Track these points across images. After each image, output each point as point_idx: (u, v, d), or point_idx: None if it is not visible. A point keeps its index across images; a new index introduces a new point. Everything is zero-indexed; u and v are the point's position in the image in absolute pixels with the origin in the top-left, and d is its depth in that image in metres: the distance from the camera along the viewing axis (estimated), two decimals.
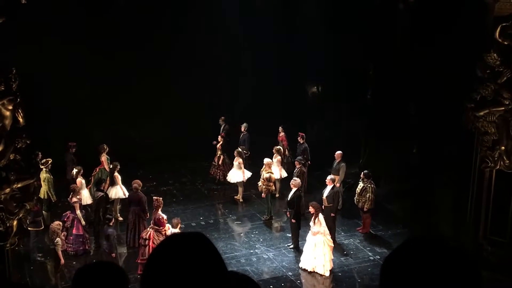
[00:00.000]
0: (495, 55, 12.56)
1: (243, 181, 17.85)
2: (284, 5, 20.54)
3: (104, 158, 17.12)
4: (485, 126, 12.88)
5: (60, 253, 13.13)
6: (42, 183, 15.46)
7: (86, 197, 15.81)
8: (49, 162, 15.70)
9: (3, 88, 10.61)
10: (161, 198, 14.52)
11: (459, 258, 1.95)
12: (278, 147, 18.25)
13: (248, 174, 17.95)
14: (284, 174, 18.15)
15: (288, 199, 15.24)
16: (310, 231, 14.16)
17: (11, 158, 10.86)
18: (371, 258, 14.78)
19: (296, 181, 15.36)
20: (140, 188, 15.21)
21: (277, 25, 20.47)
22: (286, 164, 19.00)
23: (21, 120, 10.93)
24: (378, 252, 14.99)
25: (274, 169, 17.25)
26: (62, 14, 17.51)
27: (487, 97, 12.73)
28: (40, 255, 14.58)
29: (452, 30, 13.84)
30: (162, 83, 19.96)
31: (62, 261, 13.17)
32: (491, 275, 11.62)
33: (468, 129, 13.18)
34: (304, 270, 14.15)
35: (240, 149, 18.23)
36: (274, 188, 17.18)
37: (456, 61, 13.74)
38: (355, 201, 15.85)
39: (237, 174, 17.83)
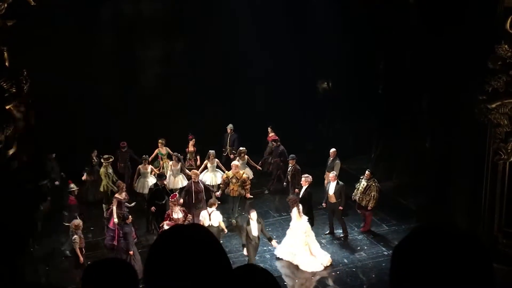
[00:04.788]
0: (506, 46, 12.47)
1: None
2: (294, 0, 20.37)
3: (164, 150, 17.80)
4: (497, 118, 12.79)
5: (78, 250, 12.92)
6: (103, 177, 16.21)
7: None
8: (111, 158, 16.48)
9: (14, 90, 10.68)
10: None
11: (470, 242, 1.93)
12: (243, 148, 17.91)
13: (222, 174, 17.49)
14: (251, 175, 17.79)
15: (300, 196, 15.22)
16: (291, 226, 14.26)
17: (24, 160, 10.95)
18: (385, 253, 14.72)
19: (309, 177, 15.31)
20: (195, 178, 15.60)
21: (287, 20, 20.27)
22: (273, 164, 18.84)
23: (32, 121, 11.01)
24: (392, 247, 14.89)
25: (246, 170, 17.24)
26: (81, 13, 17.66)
27: (499, 89, 12.65)
28: (63, 248, 14.52)
29: (462, 22, 13.74)
30: (163, 82, 20.10)
31: (81, 259, 12.91)
32: (507, 268, 11.53)
33: (480, 121, 13.09)
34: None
35: (211, 151, 17.62)
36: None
37: (467, 53, 13.64)
38: (358, 199, 15.67)
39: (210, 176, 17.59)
